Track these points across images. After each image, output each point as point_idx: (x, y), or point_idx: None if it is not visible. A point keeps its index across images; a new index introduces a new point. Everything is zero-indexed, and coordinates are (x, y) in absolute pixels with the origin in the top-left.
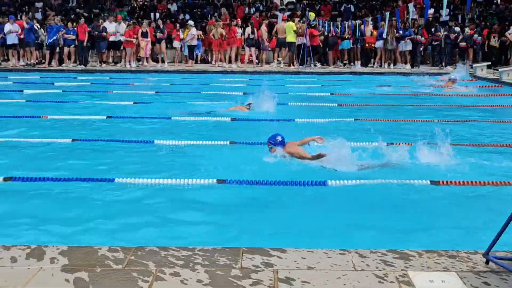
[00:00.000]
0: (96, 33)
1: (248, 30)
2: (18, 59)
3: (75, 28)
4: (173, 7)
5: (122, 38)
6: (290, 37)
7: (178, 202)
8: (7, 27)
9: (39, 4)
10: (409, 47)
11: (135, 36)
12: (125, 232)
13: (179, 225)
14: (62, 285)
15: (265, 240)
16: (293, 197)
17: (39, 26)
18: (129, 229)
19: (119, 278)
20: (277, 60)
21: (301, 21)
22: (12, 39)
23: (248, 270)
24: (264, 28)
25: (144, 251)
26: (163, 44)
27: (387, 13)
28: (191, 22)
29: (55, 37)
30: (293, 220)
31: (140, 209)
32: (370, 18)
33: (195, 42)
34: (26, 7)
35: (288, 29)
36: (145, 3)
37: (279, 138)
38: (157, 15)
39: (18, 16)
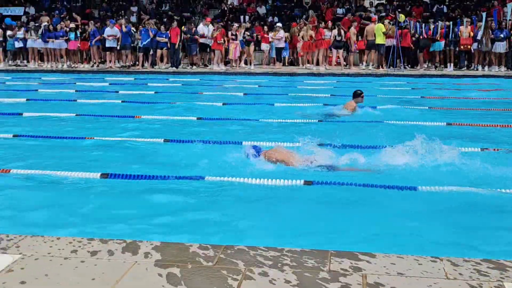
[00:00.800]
0: (188, 35)
1: (335, 32)
2: (115, 61)
3: (168, 31)
4: (262, 10)
5: (211, 41)
6: (380, 39)
7: (265, 202)
8: (108, 31)
9: (134, 8)
10: (505, 49)
11: (224, 38)
12: (214, 230)
13: (267, 225)
14: (156, 280)
15: (352, 244)
16: (384, 201)
17: (134, 30)
18: (218, 227)
19: (209, 275)
20: (366, 62)
21: (391, 22)
22: (110, 42)
23: (337, 273)
24: (353, 30)
25: (234, 250)
26: (251, 46)
27: (484, 14)
28: (279, 24)
29: (149, 40)
30: (383, 224)
31: (228, 208)
32: (465, 19)
33: (282, 44)
34: (122, 11)
35: (378, 31)
36: (235, 6)
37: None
38: (246, 17)
39: (115, 19)
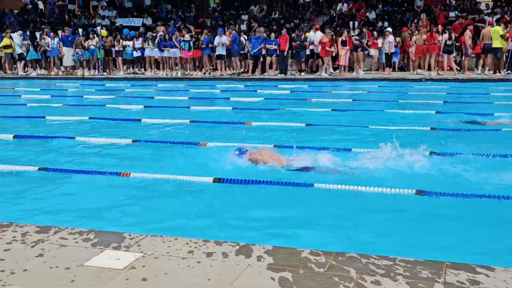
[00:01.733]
0: (298, 42)
1: (445, 36)
2: (225, 69)
3: (277, 39)
4: (372, 15)
5: (320, 47)
6: (496, 43)
7: (374, 211)
8: (217, 39)
9: (244, 17)
10: None
11: (334, 45)
12: (323, 236)
13: (376, 233)
14: (268, 283)
15: (469, 255)
16: (503, 213)
17: (246, 38)
18: (327, 234)
19: (321, 281)
20: (482, 67)
21: (510, 25)
22: (220, 50)
23: (452, 286)
24: (468, 33)
25: (345, 257)
26: (360, 52)
27: None
28: (389, 29)
29: (258, 47)
30: (500, 236)
31: (337, 216)
32: None
33: (392, 50)
34: (231, 20)
35: (494, 34)
36: (344, 12)
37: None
38: (356, 23)
39: (226, 28)
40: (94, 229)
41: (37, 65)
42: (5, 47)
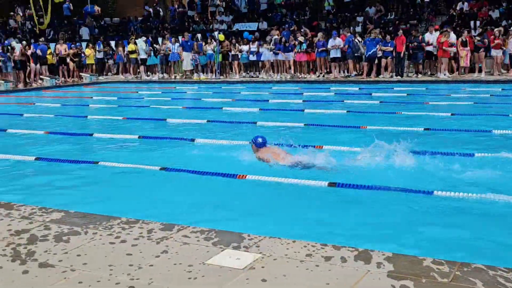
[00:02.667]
0: (415, 43)
1: None
2: (339, 71)
3: (393, 40)
4: (495, 14)
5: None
6: None
7: (492, 218)
8: (331, 42)
9: (359, 18)
10: None
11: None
12: (445, 245)
13: (503, 243)
14: None
15: None
16: None
17: (360, 40)
18: (448, 242)
19: None
20: None
21: None
22: (334, 53)
23: None
24: None
25: (470, 268)
26: (481, 53)
27: None
28: None
29: (374, 50)
30: None
31: (456, 224)
32: None
33: None
34: (346, 22)
35: None
36: (465, 11)
37: (259, 140)
38: (477, 23)
39: (341, 31)
40: (215, 229)
41: (156, 70)
42: (130, 52)
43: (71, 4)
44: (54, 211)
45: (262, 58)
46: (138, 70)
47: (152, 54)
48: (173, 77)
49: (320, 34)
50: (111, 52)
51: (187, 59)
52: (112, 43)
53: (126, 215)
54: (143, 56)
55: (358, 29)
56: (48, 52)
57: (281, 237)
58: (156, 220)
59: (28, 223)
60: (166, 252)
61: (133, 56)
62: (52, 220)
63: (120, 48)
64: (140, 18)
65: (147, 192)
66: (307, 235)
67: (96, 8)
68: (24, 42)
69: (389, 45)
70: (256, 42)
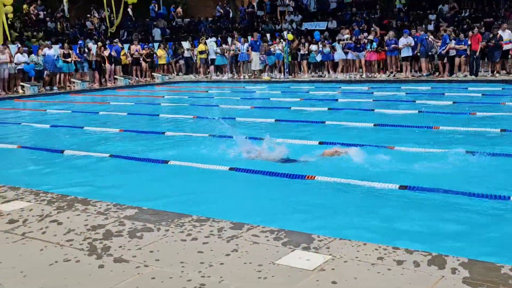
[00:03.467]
0: (493, 42)
1: None
2: (410, 70)
3: (467, 38)
4: None
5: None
6: None
7: None
8: (402, 40)
9: (432, 16)
10: None
11: None
12: None
13: None
14: None
15: None
16: None
17: (433, 38)
18: None
19: None
20: None
21: None
22: (405, 52)
23: None
24: None
25: None
26: None
27: None
28: None
29: (447, 48)
30: None
31: None
32: None
33: None
34: (418, 21)
35: None
36: None
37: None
38: None
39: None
40: (284, 229)
41: (226, 69)
42: (200, 52)
43: (156, 6)
44: (128, 207)
45: (335, 58)
46: (208, 70)
47: (219, 54)
48: (242, 77)
49: (391, 33)
50: (181, 52)
51: (256, 59)
52: (184, 43)
53: (195, 213)
54: (213, 56)
55: (430, 27)
56: (122, 53)
57: (352, 239)
58: (226, 219)
59: (103, 219)
60: (236, 251)
61: (202, 56)
62: (126, 216)
63: (191, 48)
64: (210, 19)
65: (216, 191)
66: (376, 238)
67: (178, 10)
68: (99, 43)
69: (463, 43)
70: (326, 41)
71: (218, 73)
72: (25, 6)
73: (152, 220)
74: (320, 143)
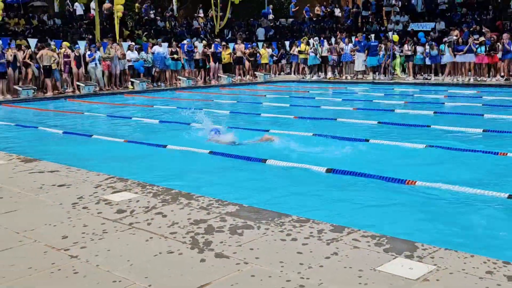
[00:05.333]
0: None
1: None
2: None
3: None
4: None
5: None
6: None
7: None
8: None
9: None
10: None
11: None
12: None
13: None
14: None
15: None
16: None
17: None
18: None
19: None
20: None
21: None
22: None
23: None
24: None
25: None
26: None
27: None
28: None
29: None
30: None
31: None
32: None
33: None
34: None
35: None
36: None
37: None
38: None
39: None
40: (386, 235)
41: (328, 69)
42: (301, 52)
43: (293, 5)
44: (230, 204)
45: (442, 60)
46: (309, 70)
47: (314, 54)
48: (344, 77)
49: (505, 36)
50: (284, 52)
51: (359, 60)
52: (287, 43)
53: (295, 213)
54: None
55: None
56: (227, 52)
57: (457, 250)
58: (325, 221)
59: (205, 214)
60: (336, 254)
61: (303, 56)
62: (228, 212)
63: (294, 48)
64: (314, 19)
65: (314, 192)
66: (480, 251)
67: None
68: (204, 42)
69: None
70: (433, 43)
71: (319, 73)
72: (136, 5)
73: (253, 218)
74: (426, 146)
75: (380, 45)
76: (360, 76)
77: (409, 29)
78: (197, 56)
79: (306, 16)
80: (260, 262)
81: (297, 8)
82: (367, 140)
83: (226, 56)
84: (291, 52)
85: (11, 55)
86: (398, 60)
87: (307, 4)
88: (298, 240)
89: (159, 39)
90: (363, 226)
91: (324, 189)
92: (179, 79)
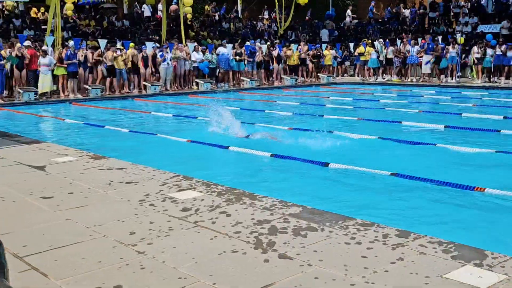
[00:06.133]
0: None
1: None
2: None
3: None
4: None
5: None
6: None
7: None
8: None
9: None
10: None
11: None
12: None
13: None
14: None
15: None
16: None
17: None
18: None
19: None
20: None
21: None
22: None
23: None
24: None
25: None
26: None
27: None
28: None
29: None
30: None
31: None
32: None
33: None
34: None
35: None
36: None
37: None
38: None
39: None
40: (454, 242)
41: (392, 71)
42: (361, 54)
43: (373, 6)
44: (293, 205)
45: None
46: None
47: (372, 56)
48: (409, 80)
49: None
50: (348, 53)
51: (425, 62)
52: (351, 44)
53: (359, 216)
54: (374, 57)
55: None
56: (296, 53)
57: None
58: (390, 226)
59: (269, 214)
60: (401, 260)
61: (363, 58)
62: (291, 214)
63: (358, 50)
64: (380, 20)
65: (377, 195)
66: None
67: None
68: (268, 43)
69: None
70: (504, 45)
71: (384, 75)
72: (206, 7)
73: (316, 220)
74: (497, 151)
75: (447, 47)
76: (426, 78)
77: (478, 30)
78: (261, 57)
79: (369, 16)
80: (324, 264)
81: (376, 8)
82: (434, 144)
83: (295, 57)
84: (355, 53)
85: (82, 55)
86: (472, 63)
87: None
88: (363, 244)
89: (223, 41)
90: (429, 232)
91: (388, 193)
92: (243, 80)
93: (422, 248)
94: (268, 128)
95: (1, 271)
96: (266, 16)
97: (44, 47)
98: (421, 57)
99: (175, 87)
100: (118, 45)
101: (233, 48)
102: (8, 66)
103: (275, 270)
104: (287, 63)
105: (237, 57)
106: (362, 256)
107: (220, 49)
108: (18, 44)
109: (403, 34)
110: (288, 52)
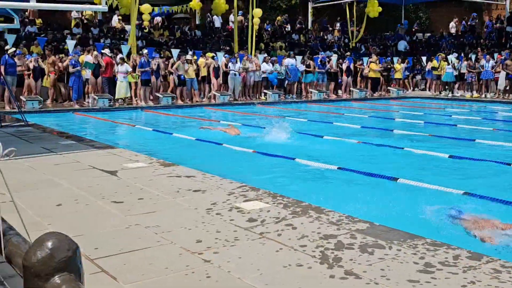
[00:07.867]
0: None
1: None
2: None
3: None
4: None
5: None
6: None
7: None
8: None
9: None
10: None
11: None
12: None
13: None
14: None
15: None
16: None
17: None
18: None
19: None
20: None
21: None
22: None
23: None
24: None
25: None
26: None
27: None
28: None
29: None
30: None
31: None
32: None
33: None
34: None
35: None
36: None
37: None
38: None
39: None
40: None
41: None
42: (433, 68)
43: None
44: (360, 221)
45: None
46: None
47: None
48: (483, 96)
49: None
50: (420, 67)
51: (502, 78)
52: (423, 58)
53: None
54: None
55: None
56: (372, 66)
57: None
58: (461, 247)
59: (335, 229)
60: (473, 283)
61: (435, 72)
62: (358, 229)
63: (430, 64)
64: (453, 34)
65: (447, 214)
66: None
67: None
68: (337, 56)
69: None
70: None
71: (459, 91)
72: (279, 18)
73: (384, 237)
74: None
75: None
76: (502, 95)
77: None
78: (329, 69)
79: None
80: (391, 284)
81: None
82: (509, 164)
83: (372, 69)
84: (427, 67)
85: (155, 64)
86: None
87: (448, 19)
88: (432, 264)
89: (291, 52)
90: (502, 256)
91: (459, 213)
92: (311, 92)
93: (496, 273)
94: (336, 141)
95: (77, 274)
96: (337, 28)
97: (120, 55)
98: (497, 72)
99: (244, 97)
100: (189, 54)
101: (302, 59)
102: (86, 73)
103: (341, 286)
104: (369, 75)
105: (306, 69)
106: (431, 277)
107: (289, 60)
108: (95, 52)
109: (478, 48)
110: (373, 66)
